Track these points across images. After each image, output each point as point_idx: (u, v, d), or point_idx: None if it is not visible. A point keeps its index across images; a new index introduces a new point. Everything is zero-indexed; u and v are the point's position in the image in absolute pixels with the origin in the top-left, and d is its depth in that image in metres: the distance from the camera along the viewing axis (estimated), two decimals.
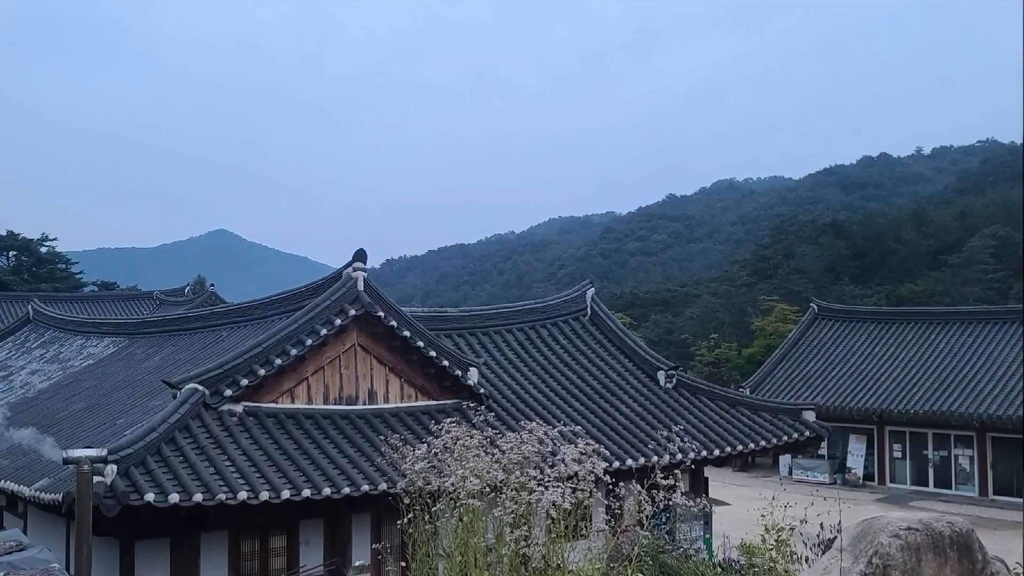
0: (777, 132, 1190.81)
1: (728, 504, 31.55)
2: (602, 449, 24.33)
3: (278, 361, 24.07)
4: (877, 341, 60.25)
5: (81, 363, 36.68)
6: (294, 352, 24.39)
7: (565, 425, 21.51)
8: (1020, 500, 47.92)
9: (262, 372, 23.83)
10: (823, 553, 14.43)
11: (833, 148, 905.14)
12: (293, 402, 24.92)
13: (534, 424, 15.29)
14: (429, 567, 13.89)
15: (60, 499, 19.58)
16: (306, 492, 21.16)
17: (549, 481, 13.12)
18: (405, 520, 14.46)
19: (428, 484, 14.42)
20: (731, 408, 31.83)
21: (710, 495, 31.36)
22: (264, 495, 20.53)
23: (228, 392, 23.55)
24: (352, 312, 25.52)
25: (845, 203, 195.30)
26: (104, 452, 18.64)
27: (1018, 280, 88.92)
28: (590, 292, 36.65)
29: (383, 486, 21.78)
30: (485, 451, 14.29)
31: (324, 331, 24.98)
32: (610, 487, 14.80)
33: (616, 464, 25.68)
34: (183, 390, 23.10)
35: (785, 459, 56.93)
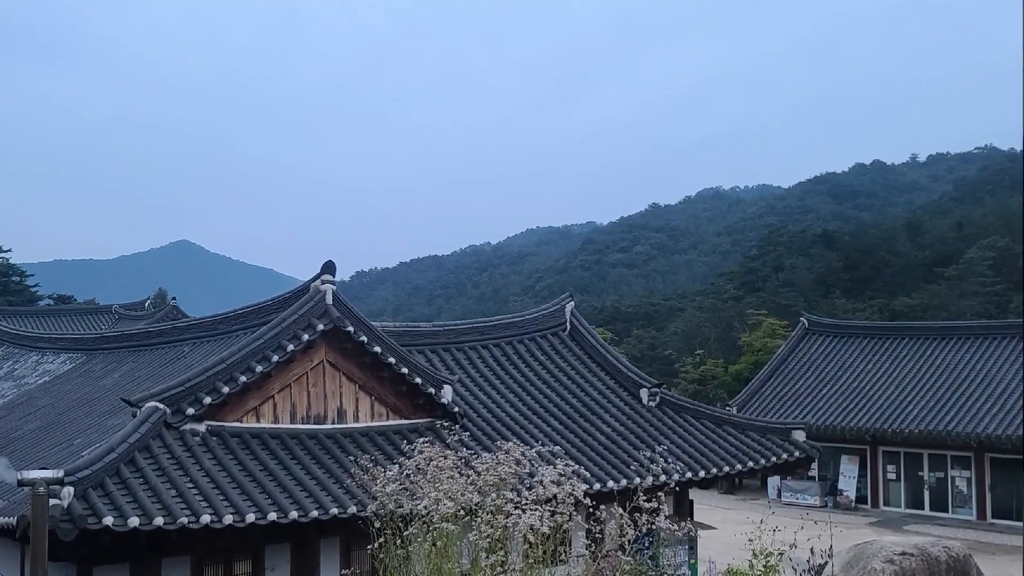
0: (766, 138, 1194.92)
1: (714, 528, 31.62)
2: (582, 470, 24.40)
3: (243, 378, 24.07)
4: (870, 357, 60.42)
5: (36, 380, 36.59)
6: (259, 369, 24.39)
7: (543, 445, 21.52)
8: (1020, 524, 48.07)
9: (226, 390, 23.83)
10: None
11: (824, 155, 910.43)
12: (259, 421, 24.91)
13: (511, 444, 15.37)
14: None
15: (14, 523, 19.53)
16: (272, 515, 21.16)
17: (526, 504, 13.18)
18: (376, 545, 14.50)
19: (400, 507, 14.48)
20: (717, 427, 31.91)
21: (695, 519, 31.41)
22: (228, 519, 20.52)
23: (190, 411, 23.52)
24: (320, 327, 25.54)
25: (837, 213, 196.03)
26: (60, 474, 18.59)
27: (1018, 293, 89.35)
28: (569, 306, 36.68)
29: (353, 509, 21.79)
30: (459, 472, 14.35)
31: (291, 347, 24.98)
32: (590, 510, 14.85)
33: (597, 486, 25.73)
34: (143, 408, 23.07)
35: (774, 481, 57.06)
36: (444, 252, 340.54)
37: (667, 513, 13.74)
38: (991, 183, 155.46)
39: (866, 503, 55.95)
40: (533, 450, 15.76)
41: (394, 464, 16.11)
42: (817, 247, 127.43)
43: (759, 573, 15.44)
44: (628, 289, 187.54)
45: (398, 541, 13.94)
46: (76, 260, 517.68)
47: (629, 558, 14.13)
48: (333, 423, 26.04)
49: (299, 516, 21.53)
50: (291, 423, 25.37)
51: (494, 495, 13.61)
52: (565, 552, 13.97)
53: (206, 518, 20.22)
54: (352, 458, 23.07)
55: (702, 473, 29.05)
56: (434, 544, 13.34)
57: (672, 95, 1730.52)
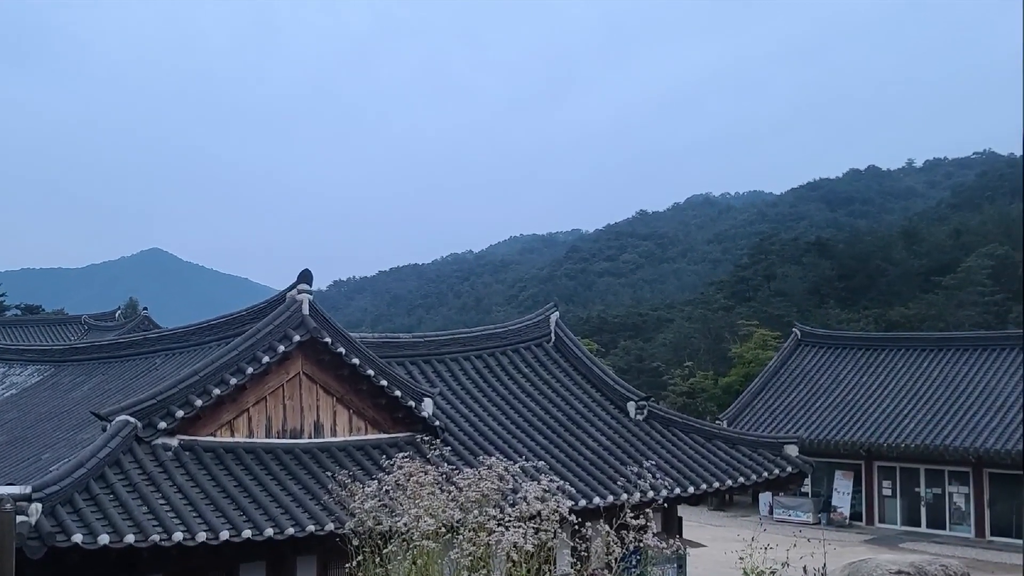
0: (757, 143, 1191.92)
1: (704, 546, 31.65)
2: (567, 486, 24.47)
3: (216, 391, 24.04)
4: (865, 369, 60.49)
5: (3, 393, 36.53)
6: (234, 381, 24.36)
7: (527, 460, 21.55)
8: (1019, 541, 48.18)
9: (199, 403, 23.81)
10: None
11: (818, 160, 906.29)
12: (233, 435, 24.88)
13: (494, 459, 15.41)
14: None
15: None
16: (247, 533, 21.15)
17: (510, 521, 13.21)
18: (354, 563, 14.52)
19: (379, 524, 14.49)
20: (707, 442, 31.94)
21: (684, 536, 31.47)
22: (201, 536, 20.51)
23: (162, 424, 23.50)
24: (297, 338, 25.54)
25: (830, 220, 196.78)
26: (28, 489, 18.61)
27: (1017, 303, 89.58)
28: (554, 316, 36.69)
29: (330, 526, 21.79)
30: (440, 488, 14.37)
31: (266, 359, 24.97)
32: (576, 527, 14.89)
33: (582, 502, 25.74)
34: (114, 422, 23.04)
35: (765, 497, 57.15)
36: (425, 260, 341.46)
37: (655, 530, 13.79)
38: (990, 189, 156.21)
39: (861, 520, 56.00)
40: (516, 465, 15.80)
41: (373, 480, 16.13)
42: (810, 255, 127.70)
43: None
44: (615, 299, 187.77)
45: (377, 559, 13.96)
46: (44, 268, 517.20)
47: None
48: (310, 437, 26.03)
49: (274, 533, 21.53)
50: (266, 437, 25.35)
51: (476, 512, 13.64)
52: (550, 571, 14.00)
53: (178, 535, 20.21)
54: (329, 474, 23.07)
55: (691, 489, 29.08)
56: (414, 562, 13.36)
57: (661, 98, 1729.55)
